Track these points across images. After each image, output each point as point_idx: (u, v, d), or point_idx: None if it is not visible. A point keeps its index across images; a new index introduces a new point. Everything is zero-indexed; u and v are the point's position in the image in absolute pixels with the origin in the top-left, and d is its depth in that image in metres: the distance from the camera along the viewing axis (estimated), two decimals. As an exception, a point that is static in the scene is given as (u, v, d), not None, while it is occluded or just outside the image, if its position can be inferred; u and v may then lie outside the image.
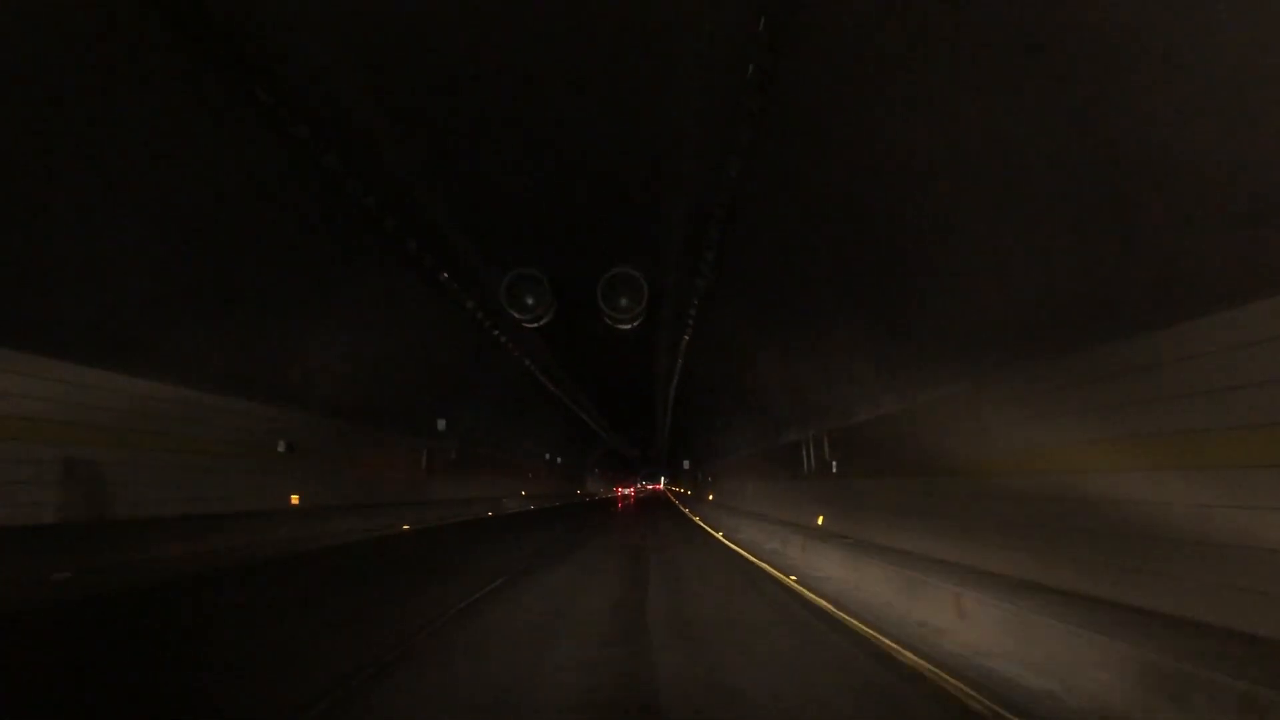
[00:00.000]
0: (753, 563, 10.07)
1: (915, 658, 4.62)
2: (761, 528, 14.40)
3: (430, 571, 8.84)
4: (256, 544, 10.62)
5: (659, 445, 56.87)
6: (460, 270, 13.54)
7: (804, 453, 14.16)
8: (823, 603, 6.80)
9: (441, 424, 20.06)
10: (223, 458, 11.07)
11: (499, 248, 13.41)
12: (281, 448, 12.47)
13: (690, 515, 24.70)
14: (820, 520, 12.75)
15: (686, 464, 43.28)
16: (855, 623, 5.76)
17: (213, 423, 10.91)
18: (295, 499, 12.94)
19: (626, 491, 71.19)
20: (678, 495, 54.59)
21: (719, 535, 15.21)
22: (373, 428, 16.60)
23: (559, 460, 39.58)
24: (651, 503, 42.97)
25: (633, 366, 23.32)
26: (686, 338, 17.39)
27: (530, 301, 13.96)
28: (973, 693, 3.84)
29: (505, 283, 13.46)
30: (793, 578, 8.42)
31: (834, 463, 12.08)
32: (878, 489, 9.96)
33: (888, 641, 5.07)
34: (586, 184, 10.69)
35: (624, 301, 13.98)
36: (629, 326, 15.15)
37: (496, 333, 18.12)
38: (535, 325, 15.00)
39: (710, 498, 32.17)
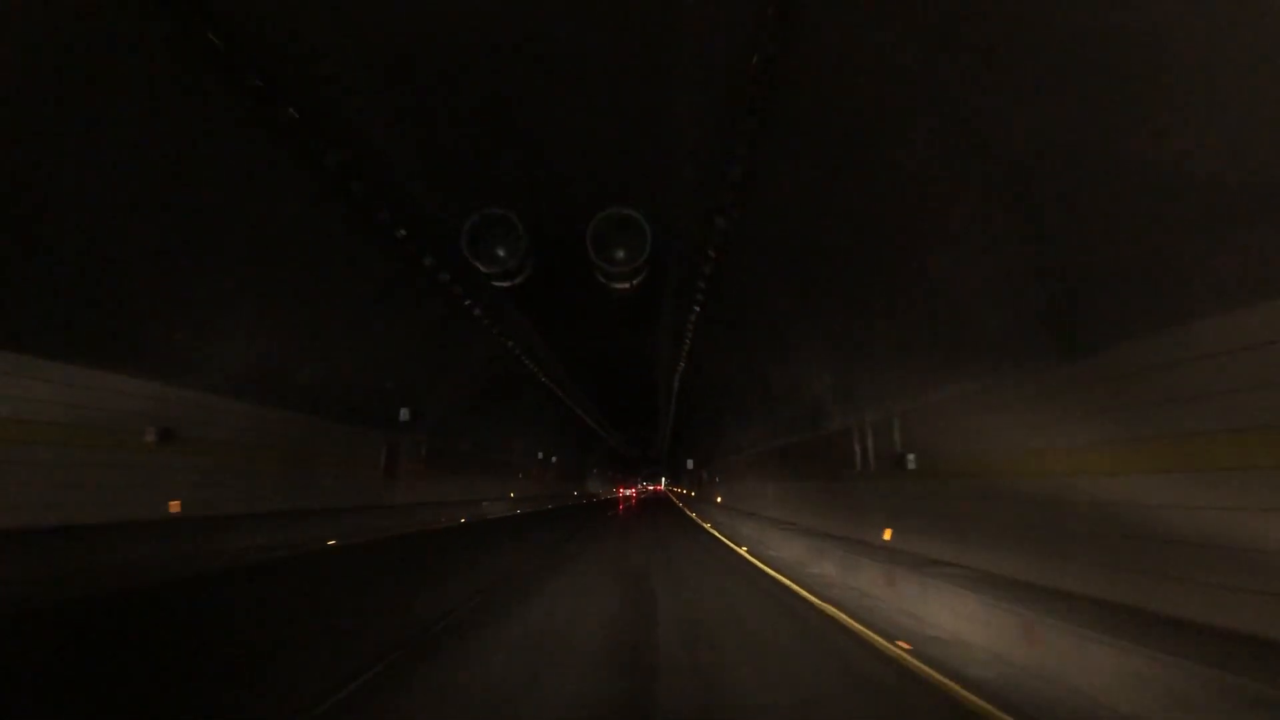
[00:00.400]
0: (820, 610, 6.46)
1: None
2: (796, 542, 10.83)
3: (246, 652, 4.72)
4: (63, 573, 7.02)
5: (660, 444, 53.66)
6: (409, 210, 10.04)
7: (856, 444, 10.58)
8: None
9: (404, 414, 16.49)
10: (44, 448, 7.52)
11: (459, 179, 9.94)
12: (151, 437, 8.89)
13: (699, 521, 21.10)
14: (888, 535, 9.17)
15: (690, 463, 39.74)
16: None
17: (31, 399, 7.37)
18: (175, 506, 9.36)
19: (628, 492, 68.34)
20: (679, 496, 51.41)
21: (742, 551, 11.63)
22: (307, 415, 13.01)
23: (553, 459, 35.99)
24: (654, 505, 39.36)
25: (631, 345, 19.69)
26: (697, 308, 13.92)
27: (501, 253, 10.45)
28: None
29: (468, 227, 9.95)
30: (902, 644, 4.85)
31: (910, 456, 8.51)
32: (1001, 494, 6.39)
33: None
34: (570, 92, 7.36)
35: (620, 253, 10.48)
36: (627, 286, 11.58)
37: (468, 303, 14.66)
38: (508, 284, 11.45)
39: (718, 500, 28.62)
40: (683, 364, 20.25)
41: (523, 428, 28.16)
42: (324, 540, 11.24)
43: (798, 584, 7.75)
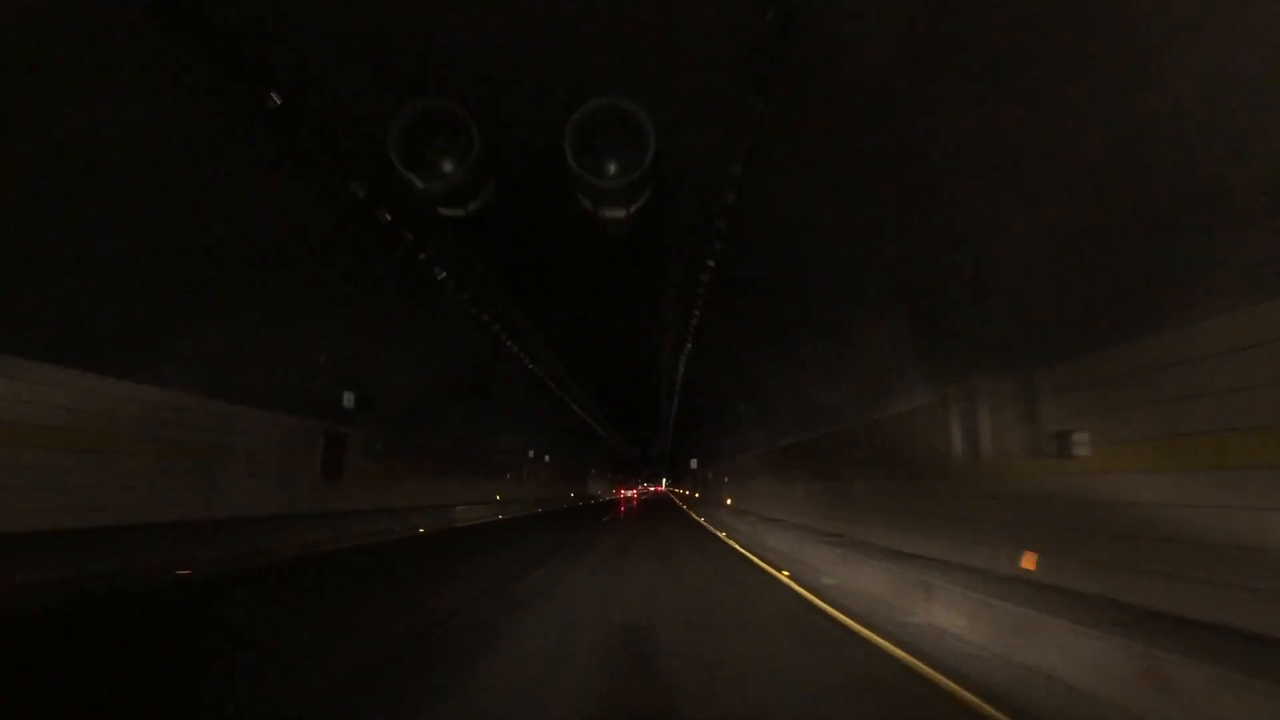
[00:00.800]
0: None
1: None
2: (859, 564, 7.37)
3: None
4: None
5: (660, 444, 50.33)
6: (315, 104, 6.68)
7: (955, 426, 7.10)
8: None
9: (348, 398, 13.05)
10: None
11: (387, 60, 6.64)
12: None
13: (711, 529, 17.62)
14: (1029, 563, 5.71)
15: (694, 463, 36.33)
16: None
17: None
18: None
19: (629, 494, 65.49)
20: (681, 498, 48.27)
21: (782, 576, 8.16)
22: (199, 395, 9.57)
23: (547, 458, 32.51)
24: (655, 507, 35.83)
25: (629, 319, 16.16)
26: (712, 262, 10.59)
27: (448, 166, 6.97)
28: None
29: (399, 125, 6.55)
30: None
31: (1080, 437, 5.06)
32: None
33: None
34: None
35: (612, 165, 7.01)
36: (622, 214, 8.09)
37: (423, 255, 11.28)
38: (462, 212, 8.00)
39: (728, 502, 25.18)
40: (690, 344, 16.85)
41: (511, 423, 24.71)
42: (187, 566, 7.74)
43: (920, 659, 4.26)
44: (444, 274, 12.16)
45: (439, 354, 15.38)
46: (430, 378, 15.92)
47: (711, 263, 11.01)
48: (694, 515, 24.55)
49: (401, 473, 16.09)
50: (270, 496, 11.02)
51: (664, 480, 72.15)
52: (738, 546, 12.01)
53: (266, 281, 9.14)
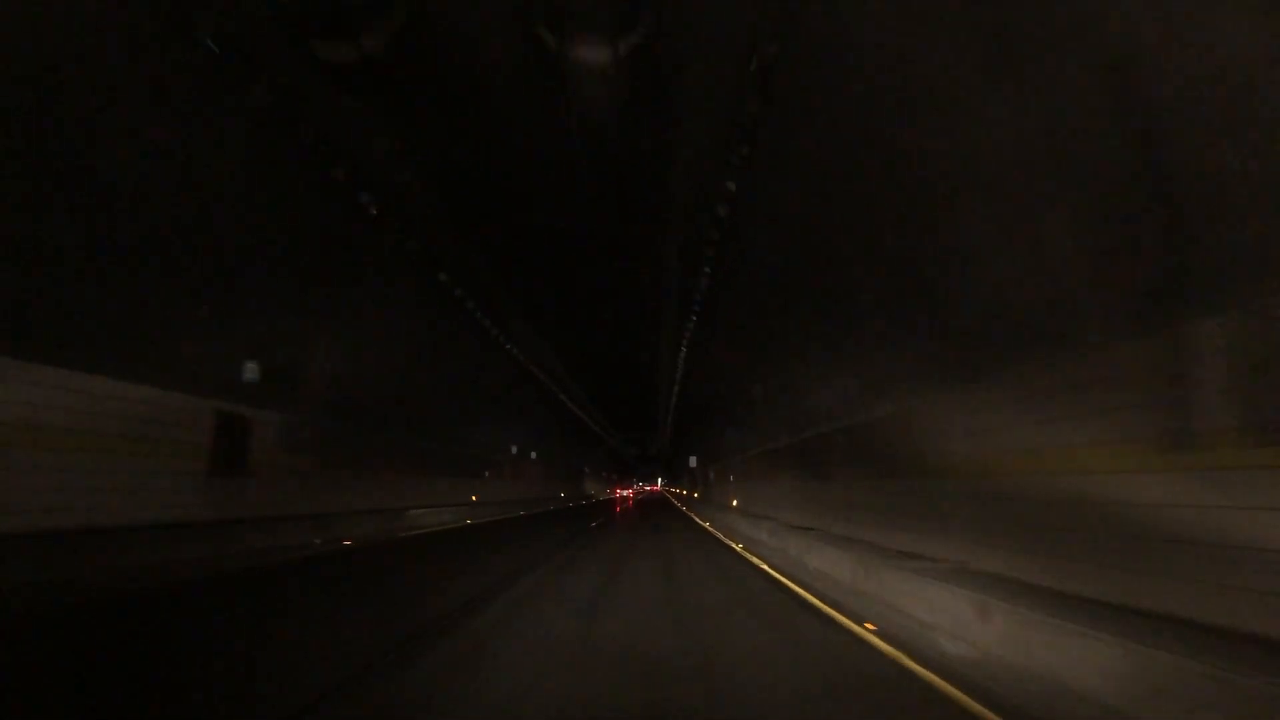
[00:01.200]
0: None
1: None
2: (1019, 623, 4.10)
3: None
4: None
5: (658, 443, 47.36)
6: None
7: (1208, 377, 3.85)
8: None
9: (251, 370, 9.70)
10: None
11: None
12: None
13: (723, 538, 14.28)
14: None
15: (693, 461, 33.15)
16: None
17: None
18: None
19: (625, 493, 63.06)
20: (678, 498, 45.42)
21: (868, 633, 4.85)
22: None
23: (533, 455, 29.18)
24: (654, 509, 32.43)
25: (623, 272, 12.72)
26: (732, 190, 7.49)
27: None
28: None
29: None
30: None
31: None
32: None
33: None
34: None
35: None
36: (607, 57, 4.67)
37: (341, 172, 8.22)
38: (353, 54, 4.62)
39: (733, 504, 21.96)
40: (695, 317, 13.66)
41: (490, 415, 21.38)
42: None
43: None
44: (375, 208, 8.92)
45: (390, 322, 12.07)
46: (380, 353, 12.59)
47: (732, 184, 7.79)
48: (698, 519, 21.25)
49: (340, 468, 12.74)
50: (110, 500, 7.66)
51: (659, 480, 69.57)
52: (768, 568, 8.68)
53: (111, 186, 5.84)
